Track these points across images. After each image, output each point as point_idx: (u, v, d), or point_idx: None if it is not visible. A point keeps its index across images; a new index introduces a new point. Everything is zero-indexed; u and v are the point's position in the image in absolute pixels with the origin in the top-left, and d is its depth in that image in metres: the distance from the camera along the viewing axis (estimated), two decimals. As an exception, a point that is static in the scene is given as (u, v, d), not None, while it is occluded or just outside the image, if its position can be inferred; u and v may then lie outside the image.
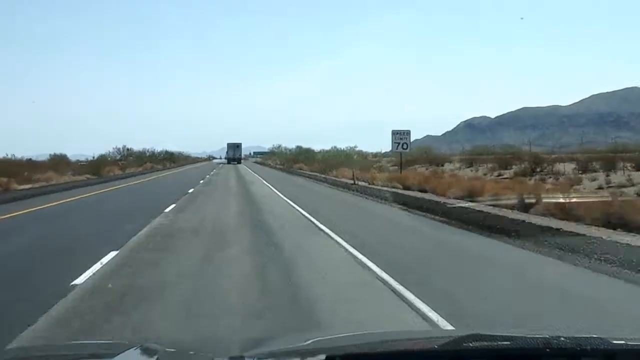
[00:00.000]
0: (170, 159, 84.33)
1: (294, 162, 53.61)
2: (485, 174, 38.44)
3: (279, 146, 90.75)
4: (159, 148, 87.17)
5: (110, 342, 3.15)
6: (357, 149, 45.63)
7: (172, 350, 2.12)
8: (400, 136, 22.98)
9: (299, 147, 70.38)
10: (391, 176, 22.56)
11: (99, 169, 38.87)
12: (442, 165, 52.07)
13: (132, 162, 56.58)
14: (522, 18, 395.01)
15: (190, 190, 23.01)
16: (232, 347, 2.21)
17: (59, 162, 40.17)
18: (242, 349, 2.01)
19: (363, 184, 22.42)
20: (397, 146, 23.14)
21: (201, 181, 32.29)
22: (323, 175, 32.49)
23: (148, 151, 72.43)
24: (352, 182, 23.42)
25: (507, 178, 30.29)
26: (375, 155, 59.96)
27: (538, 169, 37.64)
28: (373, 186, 20.91)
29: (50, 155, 47.23)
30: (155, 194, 23.15)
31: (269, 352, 1.92)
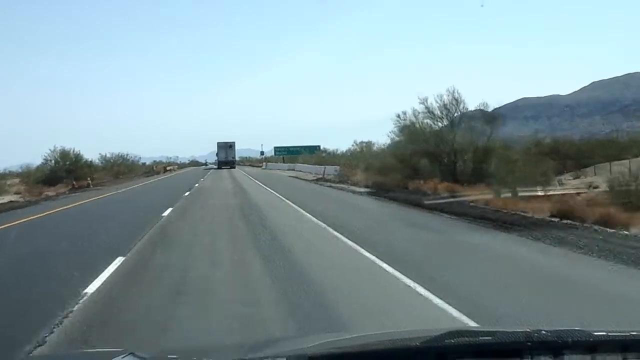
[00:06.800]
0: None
1: None
2: None
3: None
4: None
5: (95, 350, 3.15)
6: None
7: (160, 356, 2.11)
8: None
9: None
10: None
11: None
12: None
13: None
14: (482, 5, 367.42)
15: None
16: (220, 354, 2.21)
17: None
18: (228, 356, 2.01)
19: None
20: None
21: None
22: None
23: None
24: None
25: None
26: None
27: None
28: None
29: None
30: None
31: None
